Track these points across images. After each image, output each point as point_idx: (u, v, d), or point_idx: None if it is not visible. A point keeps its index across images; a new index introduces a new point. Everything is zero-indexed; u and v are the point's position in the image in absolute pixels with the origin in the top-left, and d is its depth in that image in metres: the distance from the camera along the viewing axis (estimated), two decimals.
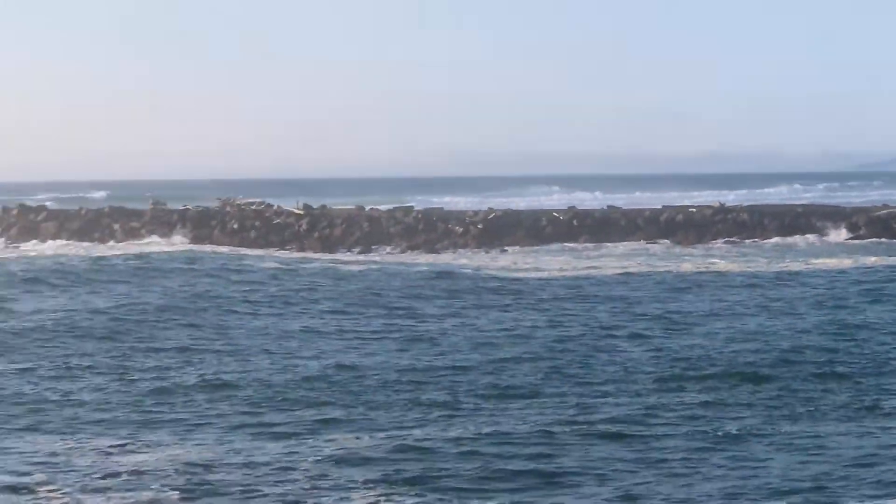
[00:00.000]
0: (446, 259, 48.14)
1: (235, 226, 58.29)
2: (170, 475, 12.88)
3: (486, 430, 15.26)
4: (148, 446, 14.52)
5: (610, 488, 12.68)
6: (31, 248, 55.62)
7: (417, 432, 15.20)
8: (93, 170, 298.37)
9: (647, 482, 12.92)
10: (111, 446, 14.48)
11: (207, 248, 51.08)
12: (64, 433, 15.38)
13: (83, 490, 12.36)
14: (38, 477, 12.83)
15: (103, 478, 12.84)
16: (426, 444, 14.44)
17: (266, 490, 12.42)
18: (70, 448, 14.36)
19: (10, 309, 27.85)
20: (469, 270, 39.87)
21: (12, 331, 24.32)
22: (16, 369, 20.23)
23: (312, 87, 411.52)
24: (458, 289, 33.17)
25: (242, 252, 48.83)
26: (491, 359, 21.32)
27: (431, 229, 56.95)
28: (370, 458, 13.78)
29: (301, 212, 60.44)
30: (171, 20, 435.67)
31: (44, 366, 20.54)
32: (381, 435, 15.02)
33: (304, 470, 13.21)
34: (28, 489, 12.41)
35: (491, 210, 62.70)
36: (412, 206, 66.02)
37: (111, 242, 57.27)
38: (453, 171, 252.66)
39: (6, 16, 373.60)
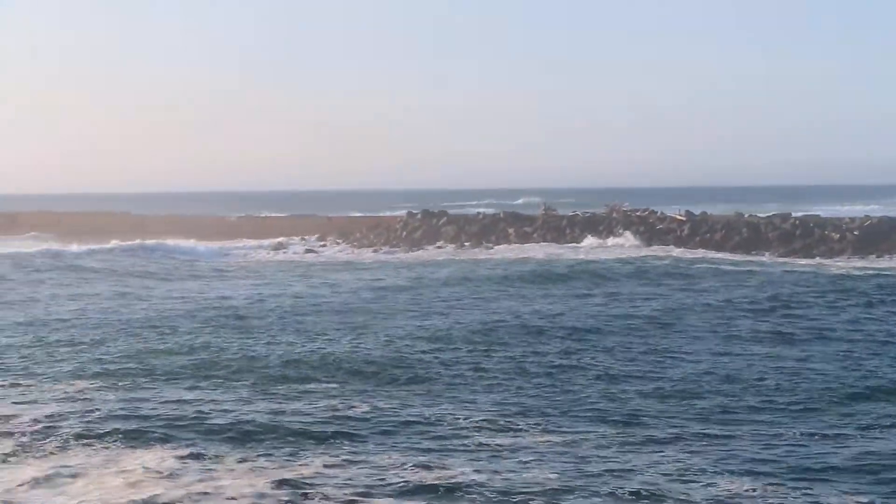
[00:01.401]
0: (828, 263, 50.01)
1: (620, 230, 62.69)
2: None
3: None
4: None
5: None
6: (433, 250, 62.05)
7: None
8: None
9: None
10: None
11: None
12: None
13: None
14: None
15: None
16: None
17: None
18: None
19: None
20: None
21: None
22: None
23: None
24: None
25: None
26: None
27: (808, 235, 58.55)
28: None
29: (682, 217, 64.02)
30: None
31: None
32: None
33: None
34: None
35: (867, 217, 63.01)
36: (790, 213, 67.61)
37: (503, 245, 62.85)
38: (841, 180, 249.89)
39: None
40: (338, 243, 66.03)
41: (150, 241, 60.34)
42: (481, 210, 78.59)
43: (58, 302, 33.45)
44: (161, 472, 13.45)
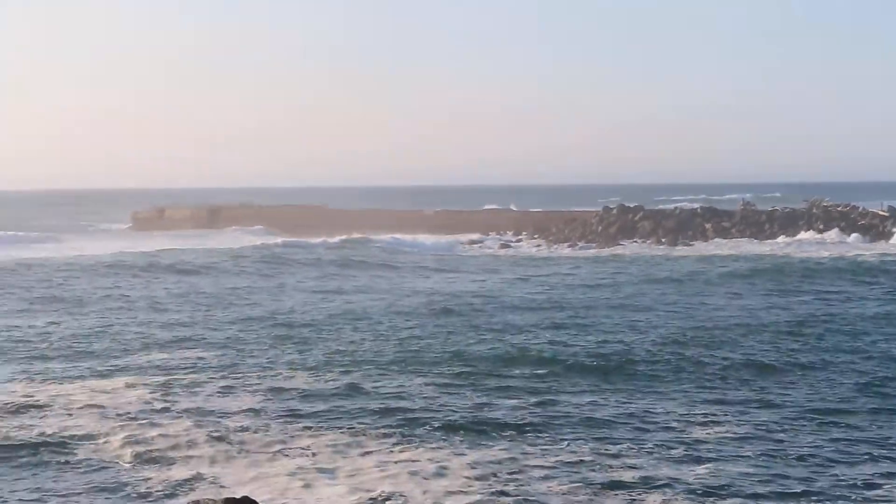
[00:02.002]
0: None
1: (821, 226, 61.46)
2: None
3: None
4: None
5: None
6: (630, 245, 62.01)
7: None
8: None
9: None
10: None
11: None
12: None
13: None
14: None
15: None
16: None
17: None
18: None
19: None
20: None
21: None
22: None
23: None
24: None
25: None
26: None
27: None
28: None
29: (885, 213, 62.29)
30: None
31: None
32: None
33: None
34: None
35: None
36: None
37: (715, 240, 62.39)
38: None
39: None
40: (533, 238, 66.57)
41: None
42: (677, 205, 77.91)
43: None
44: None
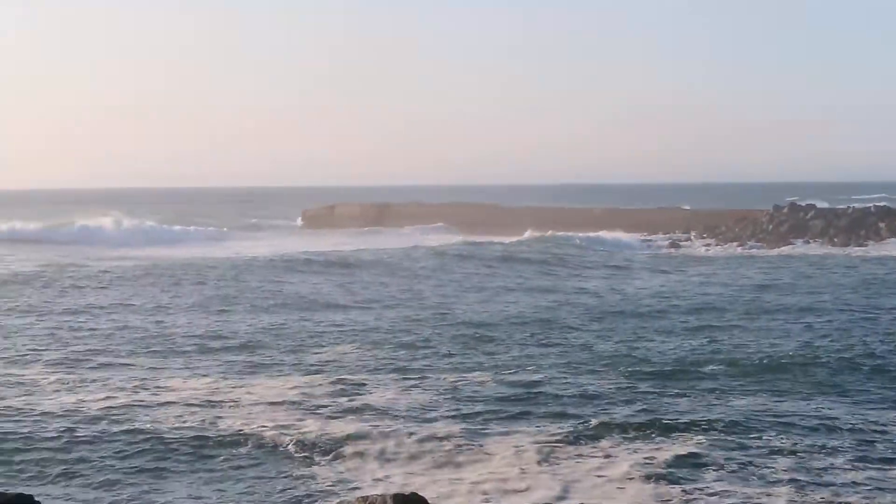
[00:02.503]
0: None
1: None
2: None
3: None
4: None
5: None
6: (801, 246, 61.18)
7: None
8: None
9: None
10: None
11: None
12: None
13: None
14: None
15: None
16: None
17: None
18: None
19: None
20: None
21: None
22: None
23: None
24: None
25: None
26: None
27: None
28: None
29: None
30: None
31: None
32: None
33: None
34: None
35: None
36: None
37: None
38: None
39: None
40: (703, 237, 66.37)
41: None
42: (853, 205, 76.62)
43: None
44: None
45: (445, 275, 41.71)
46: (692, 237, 66.83)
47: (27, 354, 23.27)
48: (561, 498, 13.38)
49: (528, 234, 63.90)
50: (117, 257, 52.41)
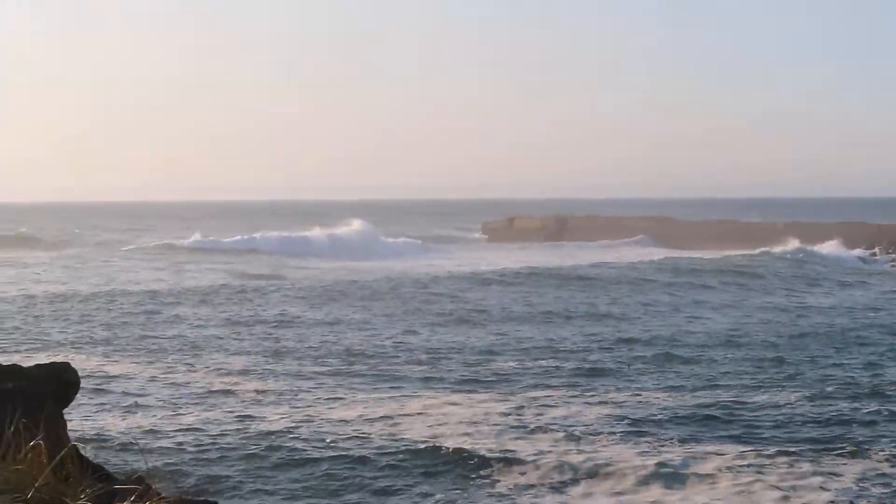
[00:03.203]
0: None
1: None
2: None
3: None
4: None
5: None
6: None
7: None
8: None
9: None
10: None
11: None
12: None
13: None
14: None
15: None
16: None
17: None
18: None
19: None
20: None
21: None
22: None
23: None
24: None
25: None
26: None
27: None
28: None
29: None
30: None
31: None
32: None
33: None
34: None
35: None
36: None
37: None
38: None
39: None
40: (889, 252, 67.06)
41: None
42: None
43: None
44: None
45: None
46: (878, 252, 67.63)
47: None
48: None
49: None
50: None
